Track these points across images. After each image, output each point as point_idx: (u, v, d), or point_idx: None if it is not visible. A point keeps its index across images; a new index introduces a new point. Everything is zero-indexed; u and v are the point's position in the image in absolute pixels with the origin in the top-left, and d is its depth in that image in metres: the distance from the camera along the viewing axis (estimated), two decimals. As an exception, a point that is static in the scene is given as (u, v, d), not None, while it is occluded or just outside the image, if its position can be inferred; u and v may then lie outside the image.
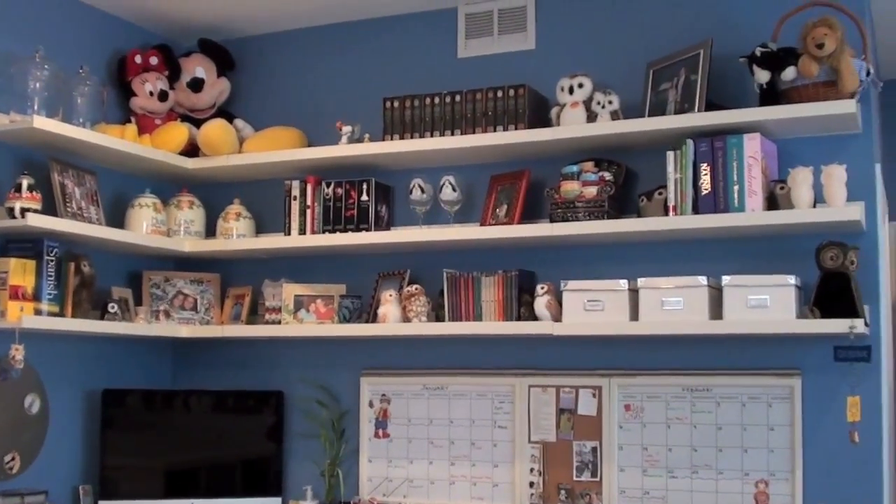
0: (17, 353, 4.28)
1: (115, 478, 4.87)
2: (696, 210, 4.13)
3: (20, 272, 4.34)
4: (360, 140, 4.89)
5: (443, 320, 4.64)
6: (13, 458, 4.53)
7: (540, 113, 4.58)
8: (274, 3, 5.07)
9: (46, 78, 4.48)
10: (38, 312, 4.40)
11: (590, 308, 4.26)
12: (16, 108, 4.44)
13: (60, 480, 4.75)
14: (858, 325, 3.82)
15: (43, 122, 4.35)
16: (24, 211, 4.29)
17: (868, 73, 4.02)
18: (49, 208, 4.44)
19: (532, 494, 4.62)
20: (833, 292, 3.93)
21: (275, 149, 5.01)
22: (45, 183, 4.48)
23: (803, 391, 4.18)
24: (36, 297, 4.41)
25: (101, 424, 4.91)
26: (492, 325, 4.52)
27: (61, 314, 4.53)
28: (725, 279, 4.04)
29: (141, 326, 4.96)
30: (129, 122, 5.02)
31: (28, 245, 4.45)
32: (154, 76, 5.15)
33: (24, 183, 4.33)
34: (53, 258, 4.49)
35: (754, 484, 4.23)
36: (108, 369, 5.08)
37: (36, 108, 4.44)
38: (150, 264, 5.24)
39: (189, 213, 5.16)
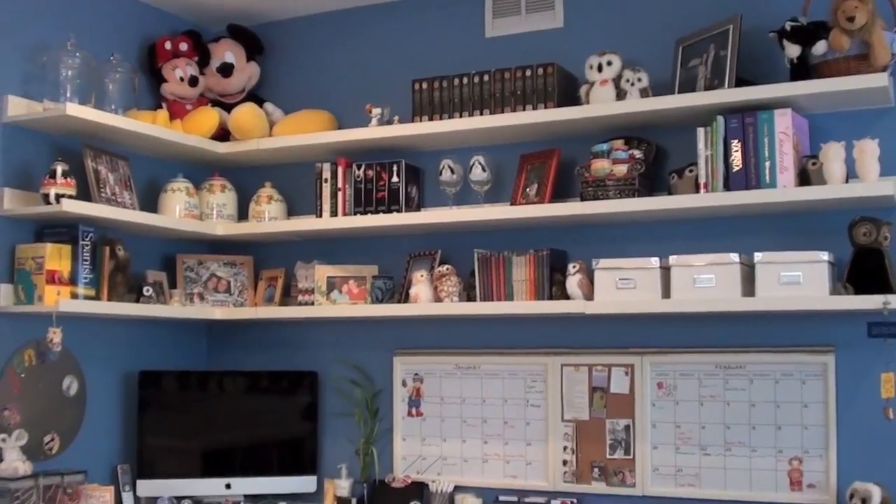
0: (55, 336, 4.33)
1: (153, 457, 4.93)
2: (728, 187, 4.11)
3: (56, 257, 4.39)
4: (389, 122, 4.90)
5: (474, 300, 4.65)
6: (52, 439, 4.58)
7: (569, 91, 4.58)
8: (302, -15, 5.10)
9: (78, 66, 4.52)
10: (74, 296, 4.45)
11: (621, 286, 4.26)
12: (49, 96, 4.49)
13: (99, 460, 4.81)
14: (892, 301, 3.80)
15: (76, 110, 4.39)
16: (58, 197, 4.33)
17: (900, 46, 4.00)
18: (83, 194, 4.47)
19: (565, 472, 4.63)
20: (866, 268, 3.91)
21: (305, 132, 5.03)
22: (79, 169, 4.52)
23: (837, 368, 4.16)
24: (72, 281, 4.46)
25: (138, 405, 4.96)
26: (523, 305, 4.53)
27: (97, 298, 4.57)
28: (757, 256, 4.03)
29: (175, 309, 5.00)
30: (161, 107, 5.05)
31: (63, 230, 4.50)
32: (184, 62, 5.18)
33: (59, 169, 4.37)
34: (88, 243, 4.53)
35: (788, 461, 4.23)
36: (144, 351, 5.13)
37: (69, 95, 4.48)
38: (184, 248, 5.28)
39: (221, 197, 5.20)
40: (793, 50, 4.07)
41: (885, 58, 3.93)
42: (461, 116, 4.69)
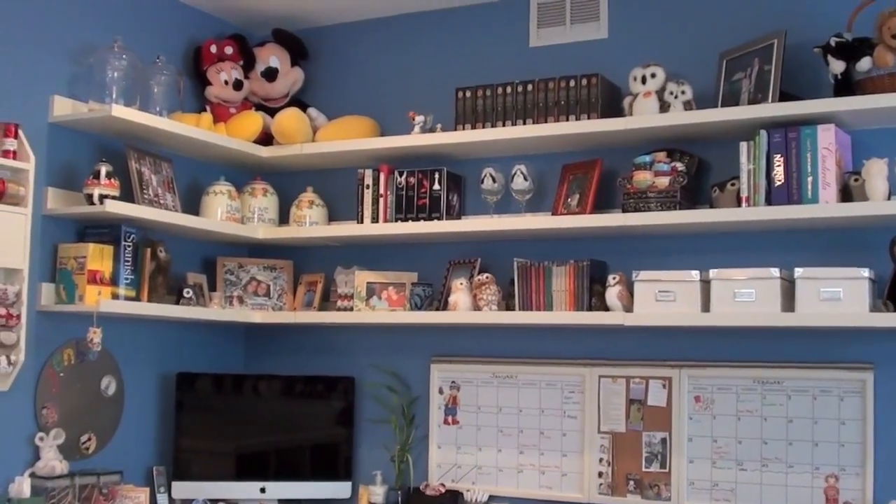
0: (95, 335, 4.36)
1: (188, 459, 4.95)
2: (769, 201, 4.09)
3: (98, 257, 4.42)
4: (432, 130, 4.91)
5: (513, 309, 4.64)
6: (89, 439, 4.62)
7: (612, 102, 4.57)
8: (348, -8, 5.12)
9: (124, 67, 4.56)
10: (115, 297, 4.48)
11: (661, 299, 4.25)
12: (94, 97, 4.53)
13: (135, 461, 4.83)
14: (933, 319, 3.78)
15: (121, 111, 4.42)
16: (102, 197, 4.37)
17: (944, 64, 3.97)
18: (126, 195, 4.51)
19: (601, 484, 4.62)
20: (907, 285, 3.89)
21: (348, 137, 5.05)
22: (123, 170, 4.56)
23: (875, 385, 4.13)
24: (113, 281, 4.49)
25: (174, 407, 4.98)
26: (562, 315, 4.51)
27: (137, 298, 4.60)
28: (798, 271, 4.01)
29: (215, 311, 5.03)
30: (205, 110, 5.09)
31: (106, 231, 4.53)
32: (229, 65, 5.20)
33: (103, 170, 4.41)
34: (130, 244, 4.56)
35: (824, 478, 4.20)
36: (183, 353, 5.16)
37: (114, 96, 4.52)
38: (225, 251, 5.30)
39: (263, 201, 5.22)
40: (837, 66, 4.05)
41: (930, 75, 3.91)
42: (504, 125, 4.69)
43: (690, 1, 4.66)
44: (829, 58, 4.07)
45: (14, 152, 4.20)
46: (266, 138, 5.21)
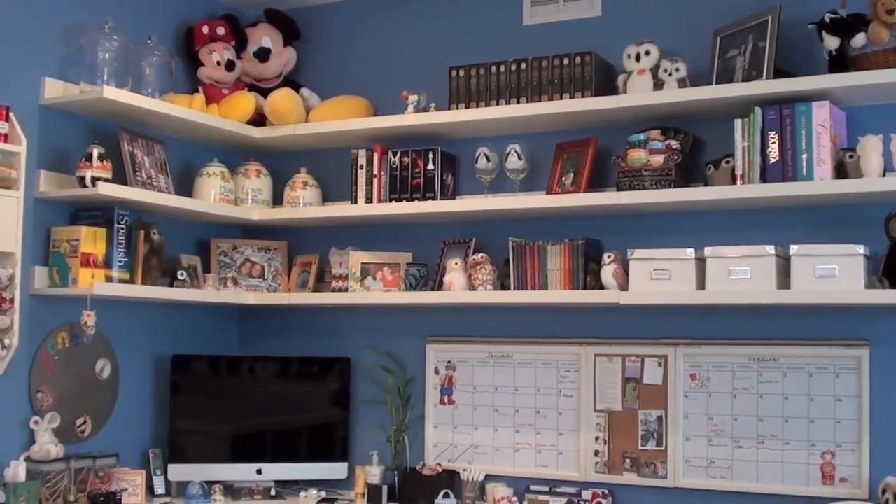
0: (89, 318, 4.35)
1: (184, 442, 4.95)
2: (764, 179, 4.09)
3: (91, 240, 4.41)
4: (426, 109, 4.90)
5: (508, 289, 4.64)
6: (85, 422, 4.61)
7: (606, 80, 4.56)
8: (340, -29, 5.10)
9: (116, 49, 4.54)
10: (108, 279, 4.47)
11: (656, 277, 4.24)
12: (86, 79, 4.51)
13: (130, 444, 4.83)
14: (928, 296, 3.78)
15: (112, 93, 4.40)
16: (94, 180, 4.35)
17: (940, 40, 3.96)
18: (119, 177, 4.49)
19: (597, 463, 4.62)
20: (903, 262, 3.89)
21: (341, 118, 5.03)
22: (115, 152, 4.54)
23: (871, 362, 4.13)
24: (107, 264, 4.48)
25: (170, 389, 4.98)
26: (557, 294, 4.51)
27: (131, 281, 4.60)
28: (793, 248, 4.00)
29: (209, 293, 5.02)
30: (197, 91, 5.06)
31: (98, 213, 4.52)
32: (221, 46, 5.18)
33: (95, 152, 4.39)
34: (124, 226, 4.55)
35: (820, 455, 4.21)
36: (177, 335, 5.15)
37: (105, 78, 4.49)
38: (219, 232, 5.29)
39: (256, 182, 5.20)
40: (832, 42, 4.04)
41: (925, 51, 3.90)
42: (498, 104, 4.68)
43: (684, -22, 4.65)
44: (824, 34, 4.06)
45: (5, 135, 4.18)
46: (259, 119, 5.19)
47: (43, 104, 4.45)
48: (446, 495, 4.72)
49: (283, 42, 5.41)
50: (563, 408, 4.74)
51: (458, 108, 4.76)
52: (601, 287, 4.40)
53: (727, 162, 4.22)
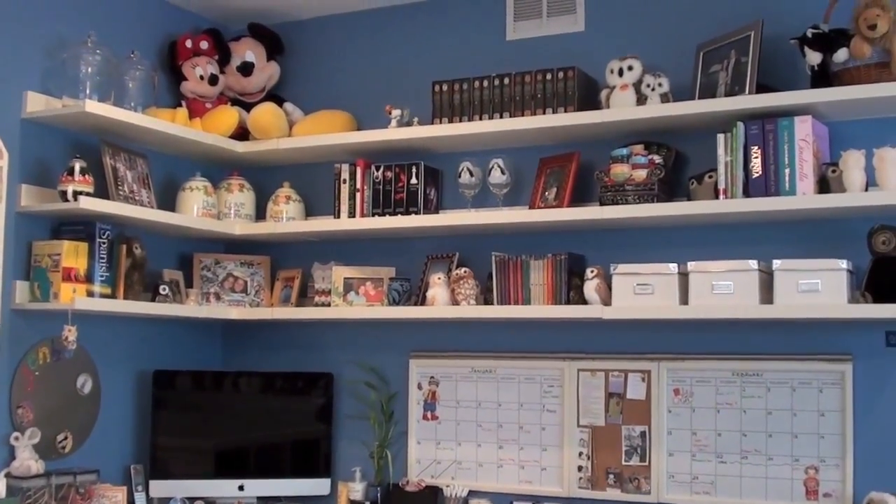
0: (70, 334, 4.32)
1: (166, 457, 4.92)
2: (747, 193, 4.09)
3: (73, 254, 4.39)
4: (409, 123, 4.90)
5: (491, 303, 4.63)
6: (66, 438, 4.58)
7: (589, 95, 4.56)
8: (323, -14, 5.10)
9: (98, 63, 4.53)
10: (90, 294, 4.45)
11: (639, 292, 4.24)
12: (68, 93, 4.49)
13: (112, 460, 4.80)
14: (911, 310, 3.78)
15: (95, 107, 4.39)
16: (76, 194, 4.33)
17: (922, 55, 3.97)
18: (101, 191, 4.48)
19: (580, 478, 4.61)
20: (885, 277, 3.88)
21: (324, 132, 5.03)
22: (97, 166, 4.52)
23: (854, 377, 4.13)
24: (88, 278, 4.46)
25: (152, 405, 4.95)
26: (541, 309, 4.51)
27: (113, 296, 4.58)
28: (776, 263, 4.01)
29: (191, 308, 5.00)
30: (180, 106, 5.05)
31: (80, 228, 4.50)
32: (204, 60, 5.17)
33: (77, 166, 4.37)
34: (105, 241, 4.53)
35: (804, 470, 4.20)
36: (159, 351, 5.12)
37: (88, 92, 4.48)
38: (201, 247, 5.28)
39: (239, 196, 5.19)
40: (814, 57, 4.05)
41: (907, 66, 3.91)
42: (481, 119, 4.68)
43: (667, -7, 4.66)
44: (806, 49, 4.07)
45: (-13, 149, 4.17)
46: (242, 133, 5.18)
47: (25, 118, 4.43)
48: (429, 511, 4.71)
49: (267, 56, 5.41)
50: (546, 423, 4.73)
51: (441, 122, 4.76)
52: (584, 302, 4.40)
53: (710, 177, 4.22)
